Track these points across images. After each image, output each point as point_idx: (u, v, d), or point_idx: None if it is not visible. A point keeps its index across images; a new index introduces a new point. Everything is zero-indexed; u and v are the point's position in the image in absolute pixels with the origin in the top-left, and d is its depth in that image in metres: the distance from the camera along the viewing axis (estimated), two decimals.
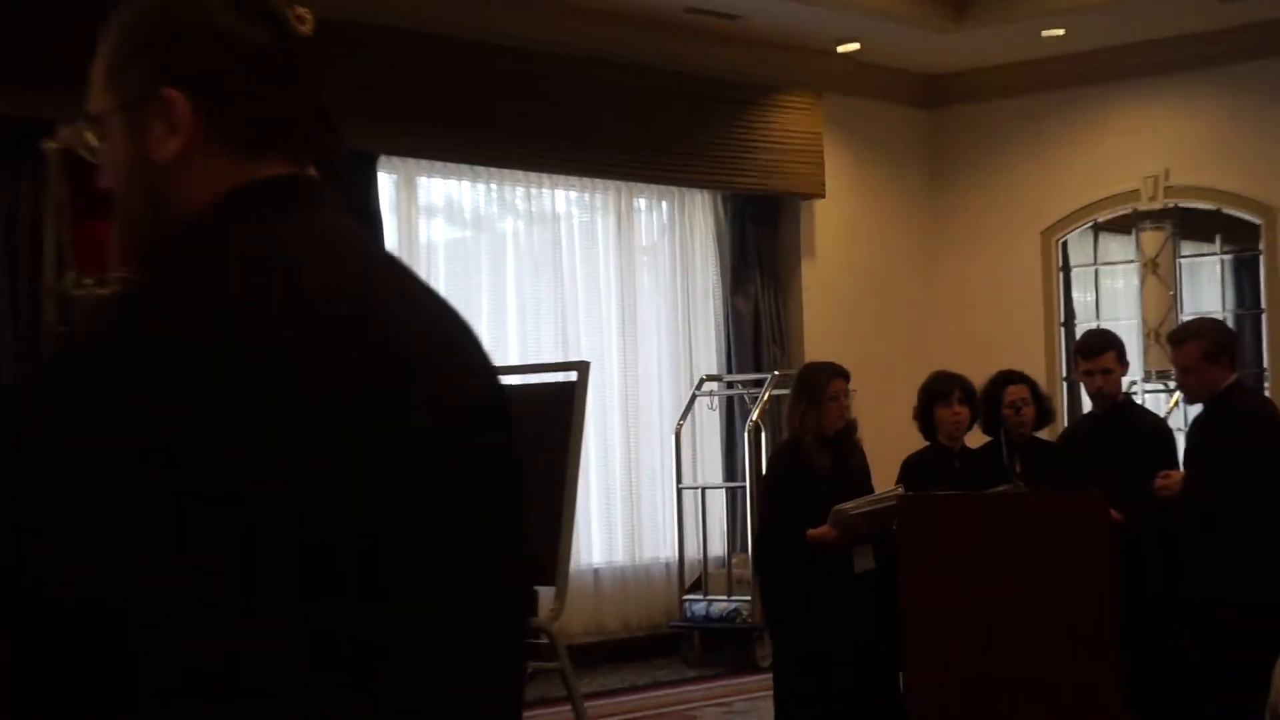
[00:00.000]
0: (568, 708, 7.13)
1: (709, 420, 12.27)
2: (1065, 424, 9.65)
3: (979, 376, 7.72)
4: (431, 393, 1.86)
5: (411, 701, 1.76)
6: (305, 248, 1.87)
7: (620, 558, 11.75)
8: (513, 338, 10.84)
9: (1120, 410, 7.33)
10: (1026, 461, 7.30)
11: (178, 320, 1.70)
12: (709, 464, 12.21)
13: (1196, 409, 7.05)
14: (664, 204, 12.33)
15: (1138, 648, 6.63)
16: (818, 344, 11.71)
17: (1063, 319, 12.75)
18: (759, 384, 11.85)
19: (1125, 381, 7.71)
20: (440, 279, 10.76)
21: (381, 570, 1.71)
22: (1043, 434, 7.53)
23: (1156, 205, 12.40)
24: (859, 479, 7.28)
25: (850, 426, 7.37)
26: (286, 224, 1.90)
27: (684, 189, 12.25)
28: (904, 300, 13.11)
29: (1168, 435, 7.29)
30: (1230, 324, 9.07)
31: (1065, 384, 12.13)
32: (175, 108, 1.85)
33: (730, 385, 12.30)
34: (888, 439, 7.66)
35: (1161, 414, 7.57)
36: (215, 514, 1.63)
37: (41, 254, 6.75)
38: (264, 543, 1.66)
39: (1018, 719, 6.46)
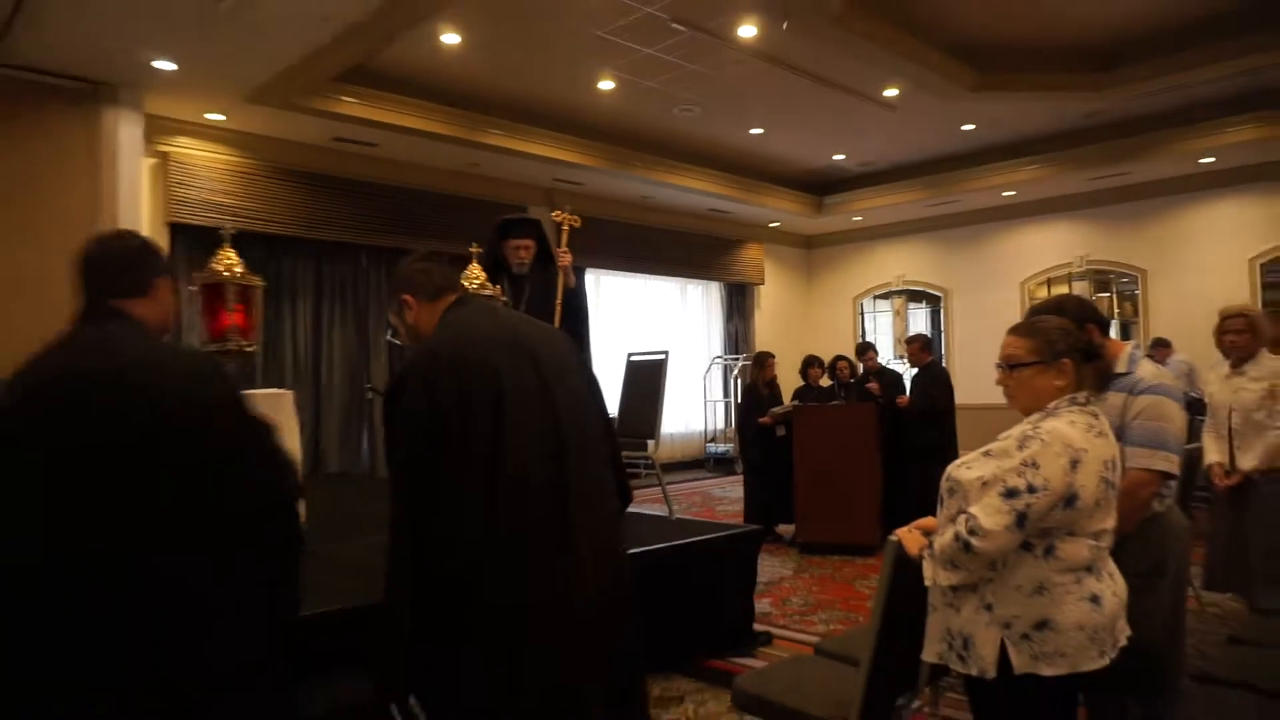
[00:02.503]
0: (659, 489, 7.04)
1: (716, 374, 12.09)
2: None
3: (827, 356, 7.58)
4: (538, 367, 1.94)
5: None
6: (473, 321, 1.98)
7: (680, 428, 11.63)
8: (639, 342, 10.58)
9: (881, 370, 7.19)
10: (846, 393, 7.17)
11: (418, 360, 1.89)
12: (715, 390, 12.03)
13: (914, 371, 6.87)
14: (700, 287, 12.07)
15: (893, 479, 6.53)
16: (763, 343, 11.53)
17: (861, 334, 12.45)
18: (737, 359, 11.76)
19: (881, 360, 7.54)
20: (610, 324, 10.77)
21: (504, 444, 1.83)
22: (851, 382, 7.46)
23: (899, 288, 12.14)
24: (778, 399, 7.15)
25: (774, 378, 7.29)
26: (459, 313, 2.01)
27: (707, 281, 11.98)
28: (794, 326, 12.80)
29: (901, 382, 7.10)
30: (930, 335, 8.98)
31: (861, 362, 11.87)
32: (408, 300, 2.05)
33: (726, 360, 12.09)
34: (789, 383, 7.56)
35: (901, 373, 7.44)
36: (450, 427, 1.80)
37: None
38: (467, 434, 1.81)
39: (837, 505, 6.33)
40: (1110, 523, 1.94)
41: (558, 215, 4.61)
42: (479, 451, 1.79)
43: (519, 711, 1.80)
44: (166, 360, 1.40)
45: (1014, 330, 2.09)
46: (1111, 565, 1.98)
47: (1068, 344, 2.01)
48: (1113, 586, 1.94)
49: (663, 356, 7.20)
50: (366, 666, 1.96)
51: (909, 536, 2.09)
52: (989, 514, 1.85)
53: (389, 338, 2.31)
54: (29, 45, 5.72)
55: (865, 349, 7.29)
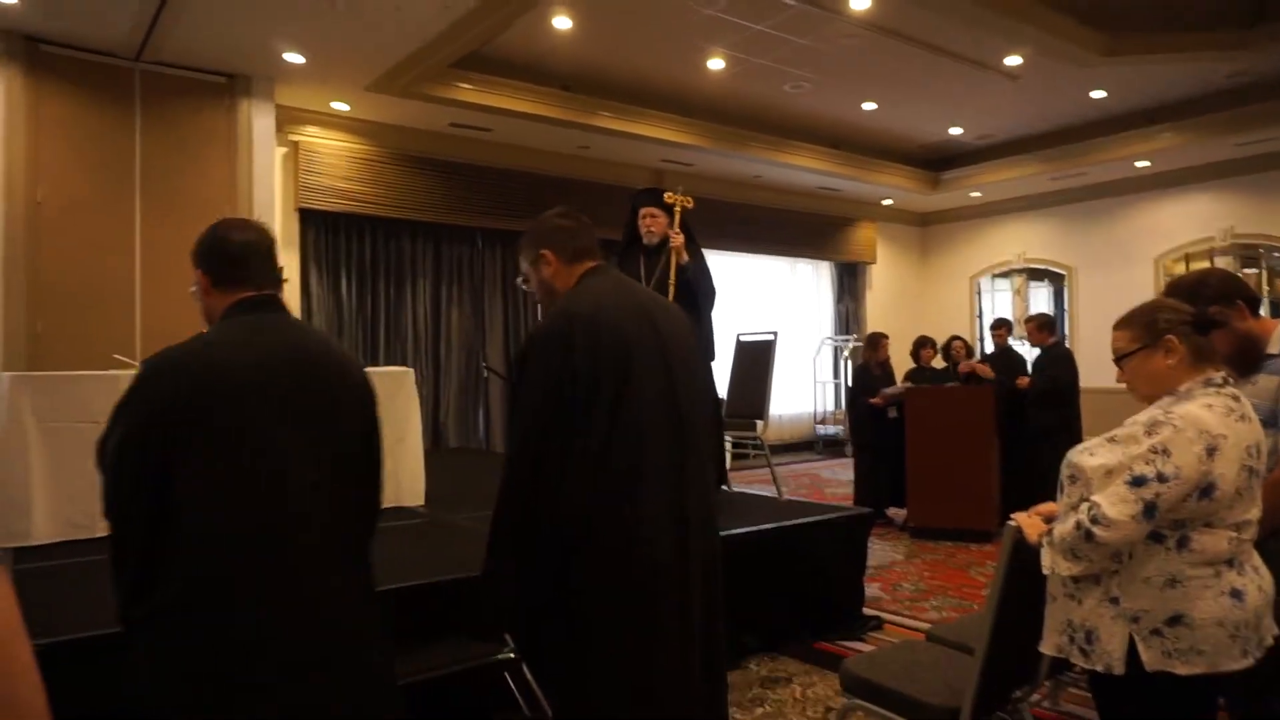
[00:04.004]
0: (767, 470, 7.00)
1: (826, 355, 11.89)
2: (979, 357, 9.18)
3: (941, 337, 7.36)
4: (660, 339, 1.96)
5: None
6: (607, 289, 1.98)
7: (790, 410, 11.45)
8: (749, 323, 10.44)
9: (1004, 351, 6.90)
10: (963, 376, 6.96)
11: (555, 321, 1.90)
12: (825, 371, 11.84)
13: (1036, 352, 6.57)
14: (811, 266, 11.86)
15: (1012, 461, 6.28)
16: (874, 324, 11.30)
17: (977, 314, 11.97)
18: (847, 340, 11.52)
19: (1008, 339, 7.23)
20: (719, 303, 10.53)
21: (629, 400, 1.86)
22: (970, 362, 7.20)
23: (1020, 266, 11.60)
24: (890, 380, 6.99)
25: (887, 359, 7.12)
26: (594, 281, 2.00)
27: (818, 260, 11.76)
28: (908, 305, 12.43)
29: (1024, 362, 6.81)
30: (1052, 314, 8.55)
31: (980, 340, 11.40)
32: (547, 256, 2.02)
33: (836, 341, 11.87)
34: (901, 364, 7.38)
35: (1024, 353, 7.14)
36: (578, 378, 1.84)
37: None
38: (595, 381, 1.84)
39: (951, 489, 6.11)
40: (1255, 513, 1.80)
41: (670, 197, 4.64)
42: (601, 410, 1.83)
43: (619, 677, 1.82)
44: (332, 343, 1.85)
45: (1115, 324, 1.99)
46: (1257, 559, 1.84)
47: (1169, 319, 1.89)
48: (1258, 581, 1.80)
49: (772, 337, 7.14)
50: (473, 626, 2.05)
51: (1029, 522, 1.99)
52: (1114, 503, 1.75)
53: (519, 283, 2.32)
54: (172, 43, 6.07)
55: (1000, 324, 7.01)
